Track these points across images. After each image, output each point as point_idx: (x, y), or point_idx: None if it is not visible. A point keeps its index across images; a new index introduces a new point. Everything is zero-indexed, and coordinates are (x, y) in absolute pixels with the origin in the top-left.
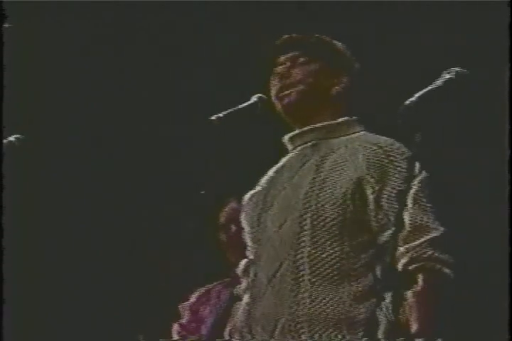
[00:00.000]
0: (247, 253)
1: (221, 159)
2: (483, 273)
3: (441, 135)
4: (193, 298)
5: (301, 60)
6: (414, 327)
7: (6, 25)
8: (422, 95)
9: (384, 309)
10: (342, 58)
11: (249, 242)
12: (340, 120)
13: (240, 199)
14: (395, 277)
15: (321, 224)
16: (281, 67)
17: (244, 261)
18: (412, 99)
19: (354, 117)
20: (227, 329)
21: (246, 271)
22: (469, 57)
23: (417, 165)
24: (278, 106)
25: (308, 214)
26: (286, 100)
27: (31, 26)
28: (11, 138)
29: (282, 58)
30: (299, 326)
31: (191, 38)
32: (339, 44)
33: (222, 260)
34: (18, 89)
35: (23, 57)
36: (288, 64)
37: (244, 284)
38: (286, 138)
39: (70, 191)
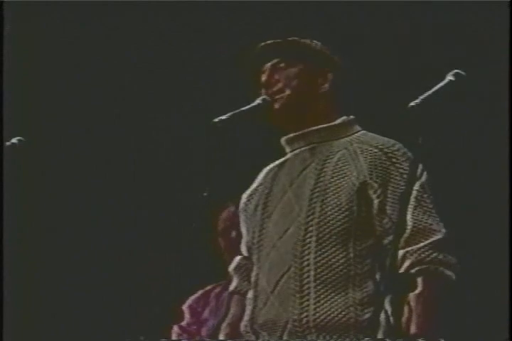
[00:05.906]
0: (242, 249)
1: (224, 162)
2: (484, 275)
3: (443, 136)
4: (192, 300)
5: (281, 65)
6: (414, 329)
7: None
8: (426, 97)
9: (384, 311)
10: (322, 56)
11: (247, 247)
12: (337, 122)
13: (238, 203)
14: (396, 279)
15: (327, 230)
16: (263, 75)
17: (237, 258)
18: (417, 101)
19: (351, 116)
20: (224, 326)
21: (238, 267)
22: (469, 58)
23: (420, 166)
24: (271, 113)
25: (314, 221)
26: (276, 106)
27: (31, 27)
28: (14, 141)
29: (264, 67)
30: (306, 332)
31: (195, 38)
32: (316, 43)
33: (221, 262)
34: (19, 92)
35: (24, 59)
36: (268, 72)
37: (235, 281)
38: (283, 140)
39: (71, 193)
